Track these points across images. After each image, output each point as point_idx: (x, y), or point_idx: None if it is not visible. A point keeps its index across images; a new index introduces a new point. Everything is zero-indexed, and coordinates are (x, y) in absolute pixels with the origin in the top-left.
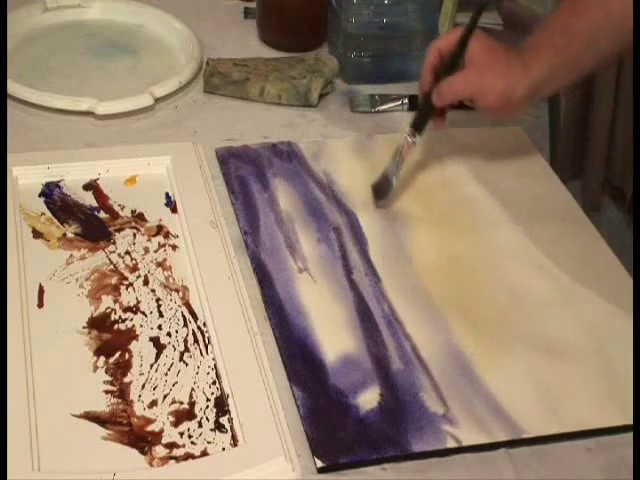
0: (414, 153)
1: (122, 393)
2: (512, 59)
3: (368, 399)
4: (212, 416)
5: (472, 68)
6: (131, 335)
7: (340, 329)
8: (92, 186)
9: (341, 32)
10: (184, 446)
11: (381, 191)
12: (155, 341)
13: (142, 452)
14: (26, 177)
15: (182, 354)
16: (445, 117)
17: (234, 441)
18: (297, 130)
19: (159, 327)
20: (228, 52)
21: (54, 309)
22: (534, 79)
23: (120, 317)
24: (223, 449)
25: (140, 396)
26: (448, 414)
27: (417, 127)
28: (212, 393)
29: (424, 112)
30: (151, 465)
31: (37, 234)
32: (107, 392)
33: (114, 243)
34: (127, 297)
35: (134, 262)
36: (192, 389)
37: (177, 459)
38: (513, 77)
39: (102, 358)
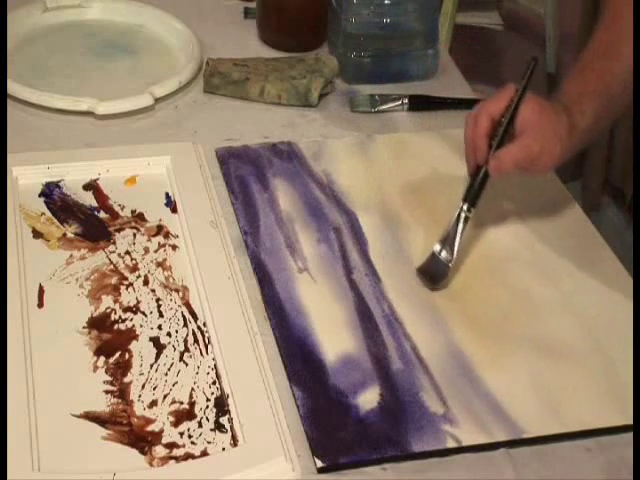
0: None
1: (122, 393)
2: (561, 116)
3: (368, 399)
4: (212, 416)
5: (528, 133)
6: (131, 335)
7: (340, 329)
8: (92, 186)
9: (341, 32)
10: (184, 446)
11: (436, 274)
12: (155, 341)
13: (142, 452)
14: (26, 177)
15: (182, 354)
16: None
17: (234, 441)
18: (297, 130)
19: (159, 327)
20: (228, 52)
21: (54, 309)
22: (583, 132)
23: (120, 317)
24: (223, 449)
25: (140, 396)
26: (448, 414)
27: (472, 202)
28: (212, 393)
29: (479, 184)
30: (151, 465)
31: (37, 234)
32: (107, 392)
33: (114, 243)
34: (127, 297)
35: (134, 262)
36: (192, 389)
37: (177, 459)
38: (565, 136)
39: (102, 358)
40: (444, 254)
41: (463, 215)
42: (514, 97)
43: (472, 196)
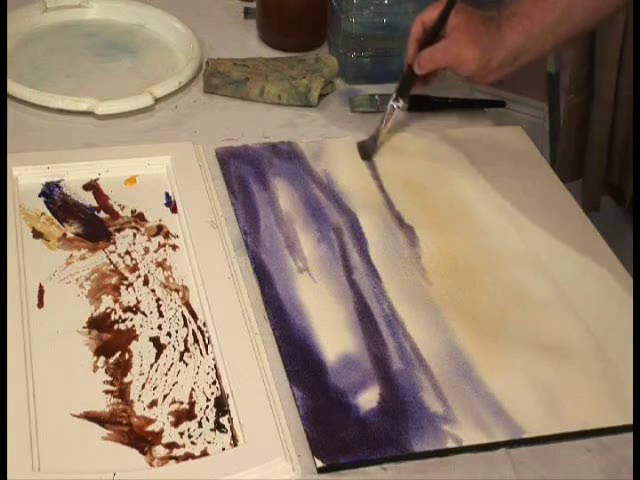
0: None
1: (122, 393)
2: (489, 29)
3: (368, 399)
4: (212, 416)
5: (451, 38)
6: (131, 335)
7: (340, 329)
8: (92, 186)
9: (341, 32)
10: (184, 446)
11: (367, 150)
12: (155, 341)
13: (142, 452)
14: (26, 177)
15: (182, 354)
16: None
17: (234, 441)
18: (297, 130)
19: (159, 327)
20: (228, 52)
21: (54, 309)
22: (509, 48)
23: (120, 317)
24: (223, 449)
25: (140, 396)
26: (448, 414)
27: (401, 93)
28: (212, 393)
29: (408, 80)
30: (151, 465)
31: (37, 234)
32: (107, 392)
33: (114, 243)
34: (127, 297)
35: (134, 262)
36: (192, 389)
37: (177, 459)
38: (489, 46)
39: (102, 358)
40: (376, 135)
41: (394, 104)
42: (445, 5)
43: (401, 89)
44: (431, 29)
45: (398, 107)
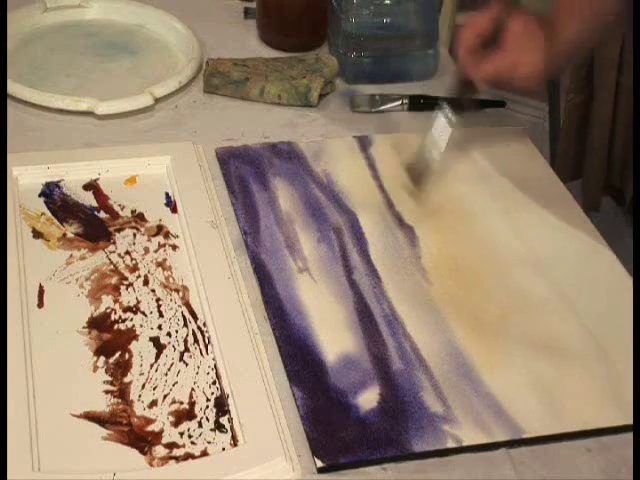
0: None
1: (122, 393)
2: (545, 30)
3: (368, 399)
4: (212, 416)
5: (508, 44)
6: (131, 335)
7: (340, 329)
8: (92, 186)
9: (341, 32)
10: (184, 446)
11: (419, 176)
12: (155, 341)
13: (142, 452)
14: (26, 177)
15: (182, 354)
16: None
17: (234, 441)
18: (297, 130)
19: (159, 327)
20: (228, 52)
21: (54, 309)
22: (565, 46)
23: (120, 317)
24: (223, 449)
25: (140, 396)
26: (448, 414)
27: (454, 106)
28: (212, 393)
29: (463, 93)
30: (151, 465)
31: (37, 234)
32: (107, 392)
33: (114, 243)
34: (127, 297)
35: (134, 262)
36: (192, 389)
37: (177, 459)
38: (548, 48)
39: (102, 358)
40: (427, 157)
41: (441, 117)
42: (499, 13)
43: (454, 102)
44: (486, 39)
45: (453, 123)
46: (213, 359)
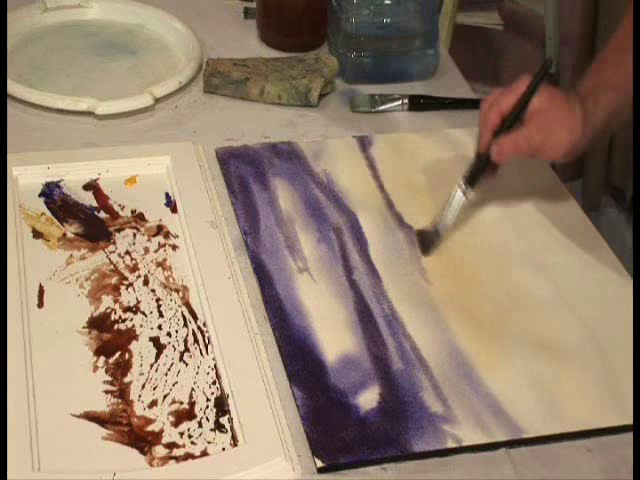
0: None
1: (122, 393)
2: (572, 107)
3: (368, 399)
4: (212, 416)
5: (534, 122)
6: (131, 335)
7: (340, 329)
8: (92, 186)
9: (341, 32)
10: (184, 446)
11: (428, 241)
12: (155, 341)
13: (142, 452)
14: (26, 177)
15: (182, 354)
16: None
17: (234, 441)
18: (297, 130)
19: (159, 327)
20: (228, 52)
21: (54, 309)
22: (597, 124)
23: (120, 317)
24: (223, 449)
25: (140, 396)
26: (448, 414)
27: (471, 182)
28: (212, 393)
29: (479, 168)
30: (151, 465)
31: (37, 234)
32: (107, 392)
33: (114, 243)
34: (127, 297)
35: (134, 262)
36: (192, 389)
37: (177, 459)
38: (577, 126)
39: (102, 358)
40: (439, 225)
41: (460, 192)
42: (526, 90)
43: (471, 177)
44: (510, 115)
45: (467, 198)
46: (213, 359)
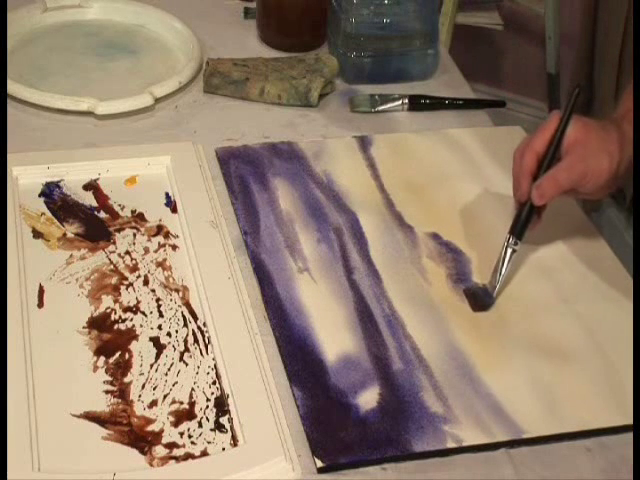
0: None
1: (122, 393)
2: (609, 132)
3: (368, 399)
4: (212, 416)
5: (574, 154)
6: (131, 335)
7: (340, 329)
8: (92, 186)
9: (341, 32)
10: (184, 446)
11: (480, 302)
12: (155, 341)
13: (142, 452)
14: (26, 177)
15: (182, 354)
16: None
17: (234, 441)
18: (297, 130)
19: (159, 327)
20: (228, 52)
21: (54, 309)
22: (633, 144)
23: (120, 317)
24: (223, 449)
25: (140, 396)
26: (448, 414)
27: (518, 235)
28: (212, 393)
29: (525, 218)
30: (151, 465)
31: (37, 234)
32: (107, 392)
33: (114, 243)
34: (127, 297)
35: (134, 262)
36: (192, 389)
37: (177, 459)
38: (615, 150)
39: (102, 358)
40: (491, 285)
41: (510, 249)
42: (558, 126)
43: (518, 229)
44: (547, 153)
45: (515, 250)
46: (213, 359)
